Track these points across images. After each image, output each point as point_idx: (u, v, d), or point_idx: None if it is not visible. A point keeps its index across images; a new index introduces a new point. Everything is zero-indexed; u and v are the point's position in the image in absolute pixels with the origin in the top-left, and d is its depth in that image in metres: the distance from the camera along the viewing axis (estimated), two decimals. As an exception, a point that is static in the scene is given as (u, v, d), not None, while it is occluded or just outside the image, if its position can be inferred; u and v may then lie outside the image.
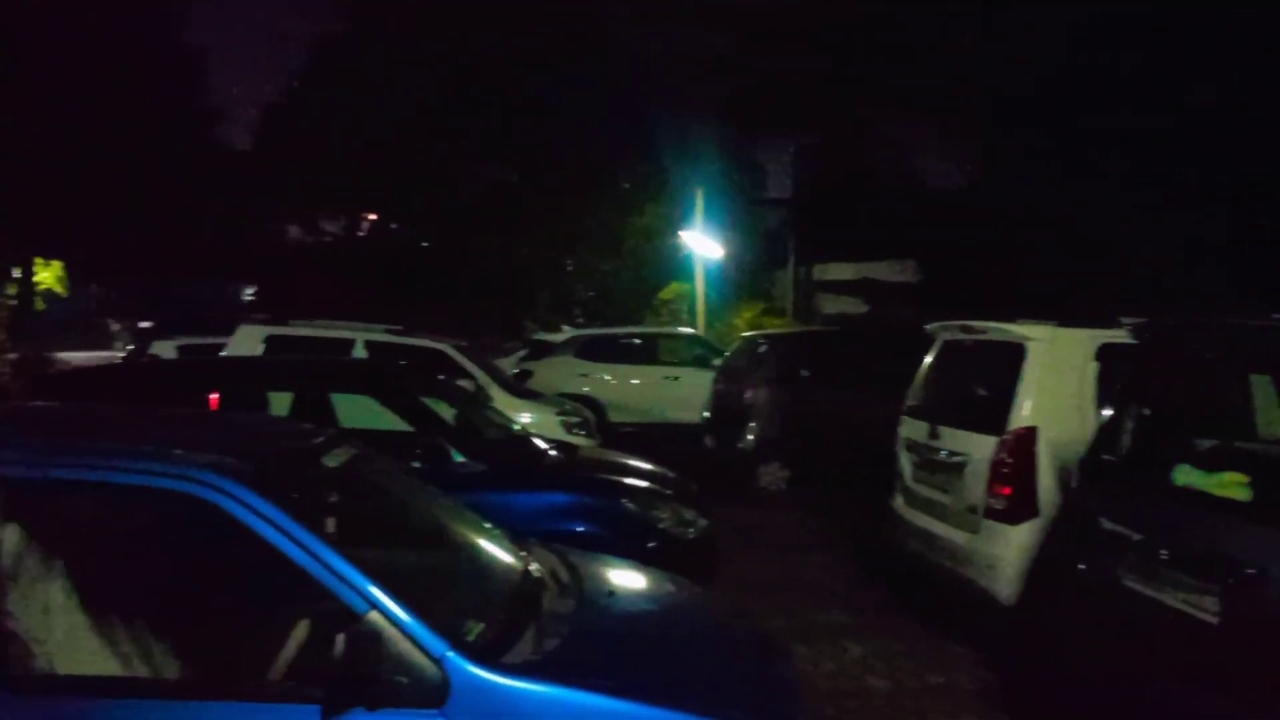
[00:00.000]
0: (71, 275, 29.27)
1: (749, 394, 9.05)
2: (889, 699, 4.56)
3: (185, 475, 2.31)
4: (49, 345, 23.56)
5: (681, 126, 19.68)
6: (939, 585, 5.33)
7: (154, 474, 2.33)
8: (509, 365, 12.69)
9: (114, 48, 20.05)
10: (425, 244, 27.85)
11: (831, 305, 20.64)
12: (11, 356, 23.05)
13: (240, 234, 27.34)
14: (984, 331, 5.26)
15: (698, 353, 13.23)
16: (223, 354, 8.20)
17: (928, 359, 5.87)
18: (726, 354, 11.13)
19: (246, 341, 8.27)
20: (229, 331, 8.96)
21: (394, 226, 30.03)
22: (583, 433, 8.72)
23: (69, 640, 2.50)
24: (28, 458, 2.33)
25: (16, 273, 24.42)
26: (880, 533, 6.19)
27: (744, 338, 10.80)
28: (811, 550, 7.23)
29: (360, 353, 8.41)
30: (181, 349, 10.98)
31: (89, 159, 19.51)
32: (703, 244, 17.60)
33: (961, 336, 5.55)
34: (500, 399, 8.22)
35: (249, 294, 36.34)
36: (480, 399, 6.84)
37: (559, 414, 8.87)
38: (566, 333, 14.24)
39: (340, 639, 2.08)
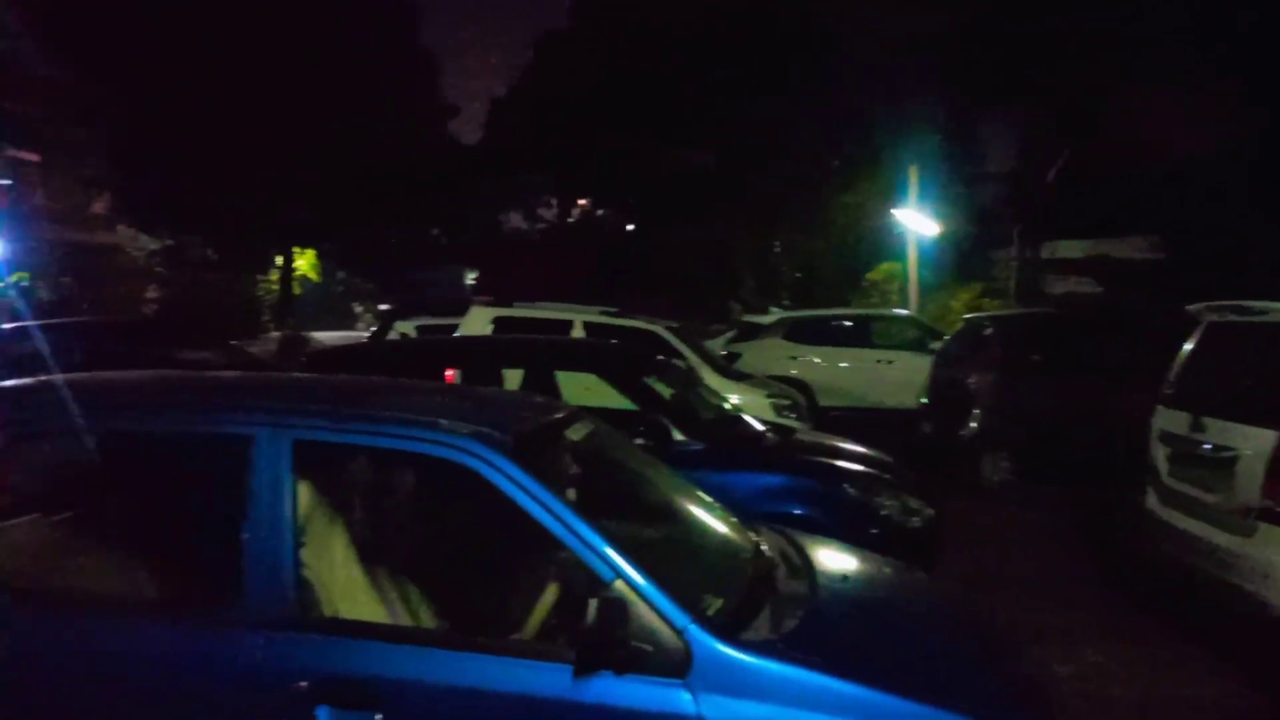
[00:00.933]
0: (323, 262, 32.46)
1: (972, 380, 8.59)
2: (1136, 711, 4.22)
3: (451, 443, 2.49)
4: (305, 325, 26.33)
5: (894, 99, 18.89)
6: (1196, 591, 4.85)
7: (423, 440, 2.52)
8: (716, 347, 12.77)
9: (363, 52, 21.90)
10: (630, 227, 28.58)
11: (1060, 286, 19.16)
12: (274, 335, 25.94)
13: (465, 223, 29.20)
14: (1263, 313, 4.70)
15: (913, 335, 12.71)
16: (456, 334, 8.80)
17: (1189, 344, 5.32)
18: (946, 337, 10.62)
19: (477, 322, 8.83)
20: (461, 313, 9.60)
21: (600, 212, 31.07)
22: (792, 415, 8.63)
23: (347, 588, 2.78)
24: (317, 423, 2.60)
25: (278, 260, 27.39)
26: (1121, 531, 5.71)
27: (967, 320, 10.25)
28: (1041, 547, 6.79)
29: (578, 333, 8.76)
30: (420, 329, 11.89)
31: (343, 157, 21.46)
32: (917, 221, 16.85)
33: (1233, 319, 4.98)
34: (711, 380, 8.28)
35: (471, 278, 38.82)
36: (696, 380, 6.94)
37: (769, 396, 8.83)
38: (775, 314, 14.11)
39: (592, 605, 2.18)
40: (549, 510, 2.39)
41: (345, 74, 21.06)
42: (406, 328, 12.20)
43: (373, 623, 2.58)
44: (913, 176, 16.87)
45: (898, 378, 11.63)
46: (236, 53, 19.94)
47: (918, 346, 12.00)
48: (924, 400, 9.70)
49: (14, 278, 24.11)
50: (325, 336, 28.47)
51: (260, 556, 2.43)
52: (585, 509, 2.49)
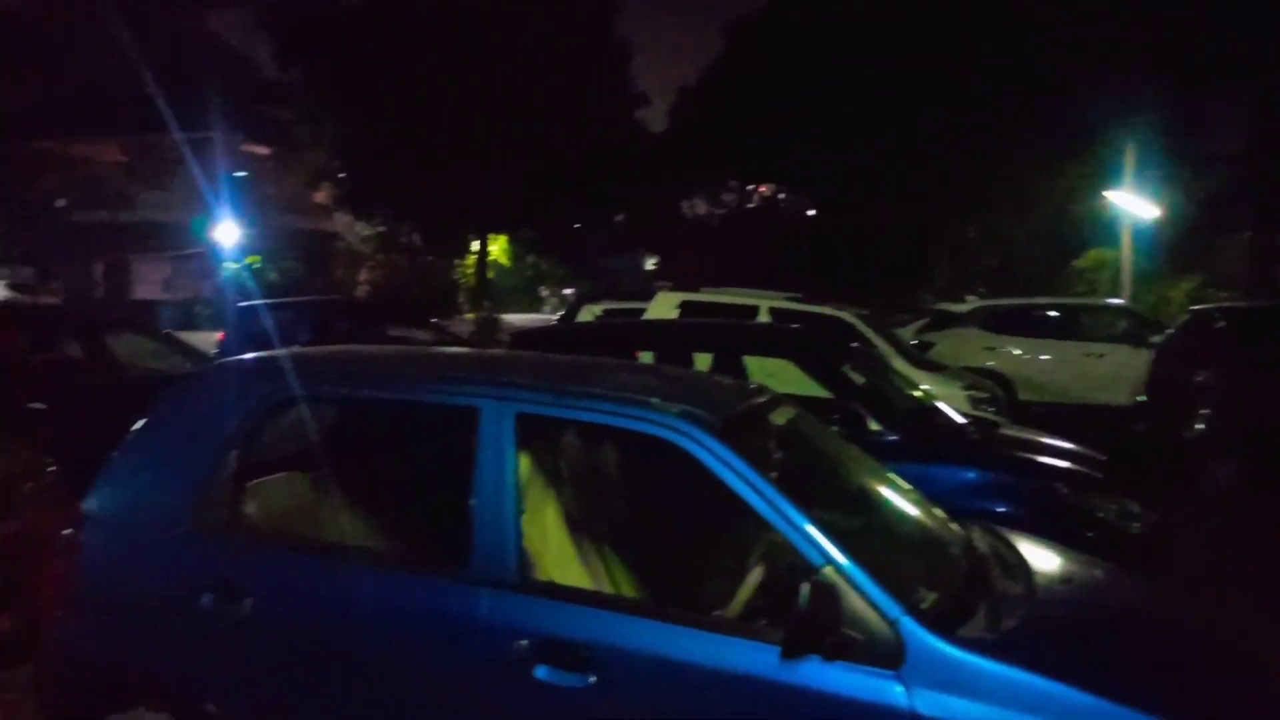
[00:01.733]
0: (514, 248, 33.96)
1: (1200, 376, 7.84)
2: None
3: (663, 422, 2.55)
4: (497, 309, 27.69)
5: (1107, 74, 17.41)
6: None
7: (637, 418, 2.60)
8: (907, 336, 12.33)
9: (563, 42, 22.64)
10: (811, 212, 28.04)
11: (1300, 276, 17.08)
12: (468, 316, 27.39)
13: (647, 210, 29.65)
14: None
15: (1127, 327, 11.73)
16: (643, 318, 8.98)
17: None
18: (1168, 330, 9.74)
19: (663, 306, 8.96)
20: (644, 298, 9.76)
21: (782, 197, 30.66)
22: (991, 409, 8.19)
23: (559, 556, 2.92)
24: (538, 397, 2.73)
25: (474, 246, 28.91)
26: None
27: (1195, 312, 9.34)
28: (1275, 558, 6.13)
29: (764, 318, 8.71)
30: (605, 312, 12.22)
31: (541, 146, 22.30)
32: (1133, 205, 15.51)
33: None
34: (903, 370, 8.01)
35: (651, 264, 39.43)
36: (887, 368, 6.74)
37: (965, 388, 8.42)
38: (971, 303, 13.43)
39: (804, 589, 2.18)
40: (758, 492, 2.41)
41: (546, 65, 21.84)
42: (593, 311, 12.57)
43: (589, 590, 2.70)
44: (1129, 157, 15.55)
45: (1108, 372, 10.79)
46: (448, 49, 21.11)
47: (1132, 339, 11.07)
48: (1141, 397, 8.95)
49: (248, 260, 26.76)
50: (514, 319, 29.81)
51: (486, 521, 2.60)
52: (791, 493, 2.49)
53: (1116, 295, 15.10)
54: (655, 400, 2.63)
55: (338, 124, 23.73)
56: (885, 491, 3.15)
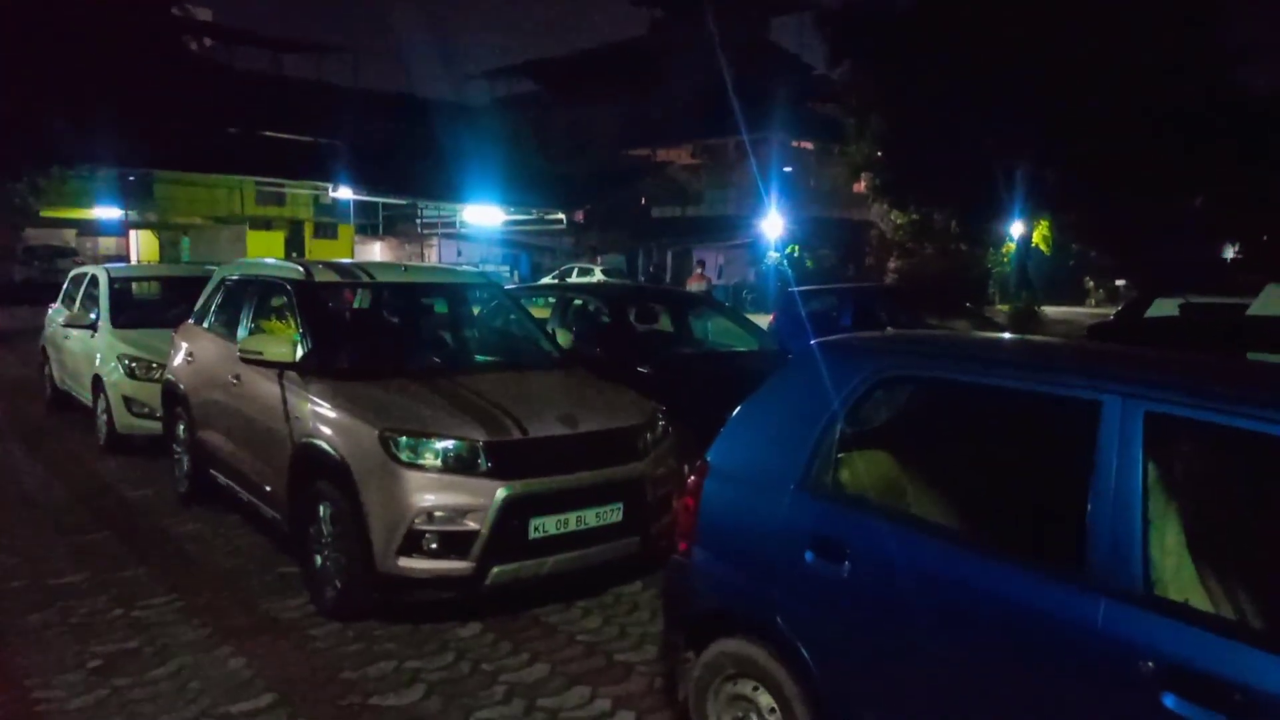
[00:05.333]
0: (1055, 235, 31.26)
1: None
2: None
3: None
4: (1039, 299, 25.81)
5: None
6: None
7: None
8: None
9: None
10: None
11: None
12: (1002, 308, 25.94)
13: (1238, 191, 24.87)
14: None
15: None
16: (1250, 313, 7.59)
17: None
18: None
19: (1276, 301, 7.50)
20: (1231, 292, 8.28)
21: None
22: None
23: (1177, 574, 2.60)
24: (1172, 396, 2.45)
25: (1013, 233, 27.21)
26: None
27: None
28: None
29: None
30: (1183, 307, 10.64)
31: (1110, 114, 20.12)
32: None
33: None
34: None
35: (1232, 252, 33.33)
36: None
37: None
38: None
39: None
40: None
41: (1117, 25, 19.59)
42: (1168, 306, 11.03)
43: (1233, 619, 2.37)
44: None
45: None
46: (998, 31, 20.14)
47: None
48: None
49: (789, 249, 28.71)
50: (1054, 311, 27.45)
51: (1106, 524, 2.42)
52: None
53: None
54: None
55: (882, 116, 24.14)
56: None
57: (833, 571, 2.94)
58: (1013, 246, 27.37)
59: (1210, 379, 2.55)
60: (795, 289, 14.15)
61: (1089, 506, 2.47)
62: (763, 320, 12.46)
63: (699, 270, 24.45)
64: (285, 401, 5.17)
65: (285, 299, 5.97)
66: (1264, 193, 24.99)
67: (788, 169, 33.88)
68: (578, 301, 9.11)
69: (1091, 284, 37.43)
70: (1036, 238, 31.94)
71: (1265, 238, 29.79)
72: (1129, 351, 3.05)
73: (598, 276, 28.91)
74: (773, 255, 28.13)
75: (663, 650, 3.80)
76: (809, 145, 36.21)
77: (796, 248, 31.59)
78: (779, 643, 3.09)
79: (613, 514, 4.84)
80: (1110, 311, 21.59)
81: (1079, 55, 19.55)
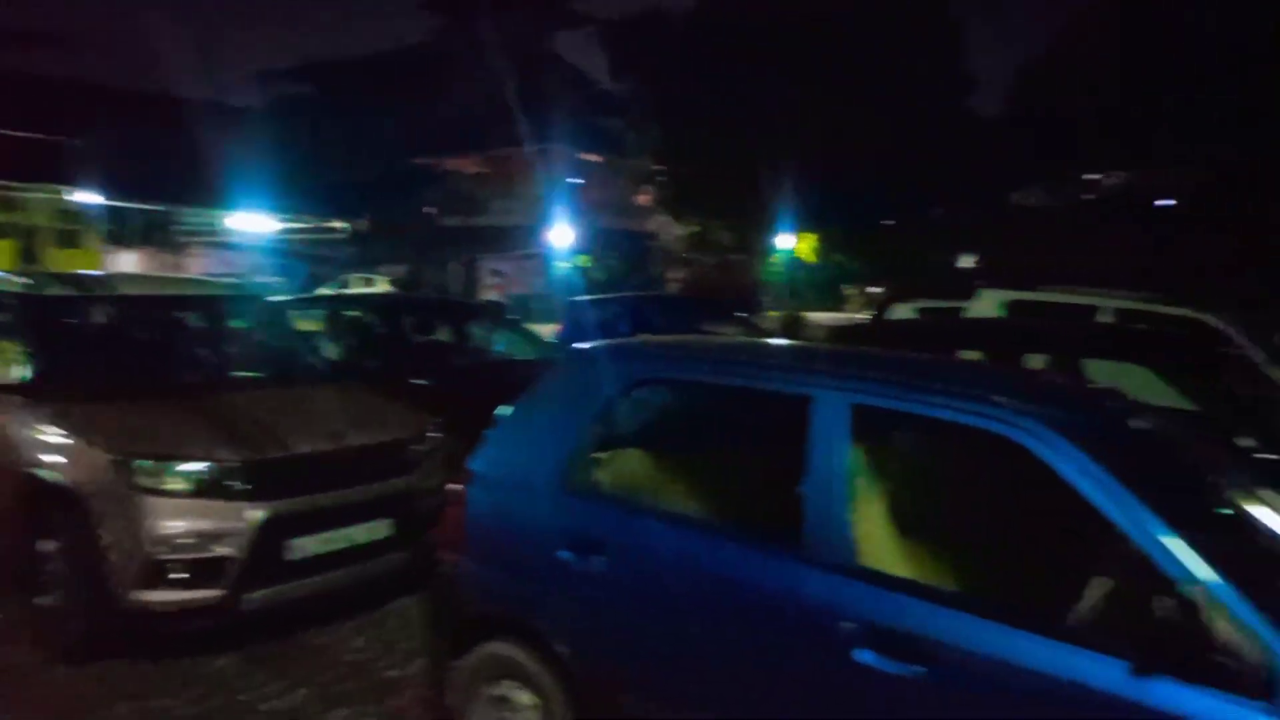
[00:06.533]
0: (821, 245, 33.72)
1: None
2: None
3: (1013, 421, 2.49)
4: (801, 306, 27.70)
5: None
6: None
7: (982, 415, 2.55)
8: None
9: (887, 21, 22.08)
10: (1172, 202, 24.80)
11: None
12: (772, 315, 27.63)
13: (971, 204, 27.97)
14: None
15: None
16: (963, 316, 8.53)
17: None
18: None
19: (987, 305, 8.45)
20: (964, 296, 9.21)
21: (1133, 186, 27.47)
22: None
23: (887, 548, 2.96)
24: (876, 389, 2.79)
25: (781, 244, 29.13)
26: None
27: None
28: None
29: (1107, 319, 7.91)
30: (920, 311, 11.73)
31: (864, 139, 21.95)
32: None
33: None
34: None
35: (968, 261, 37.04)
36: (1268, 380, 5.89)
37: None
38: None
39: (1163, 604, 2.06)
40: (1114, 499, 2.29)
41: (872, 56, 21.46)
42: (905, 310, 12.12)
43: (924, 583, 2.71)
44: None
45: None
46: (768, 53, 21.54)
47: None
48: None
49: (578, 260, 29.14)
50: (818, 317, 29.56)
51: (819, 504, 2.71)
52: (1153, 503, 2.33)
53: None
54: (1004, 399, 2.58)
55: (661, 131, 25.11)
56: (1262, 512, 2.82)
57: (588, 567, 3.07)
58: (779, 259, 29.23)
59: (905, 374, 2.91)
60: (579, 299, 14.42)
61: (805, 490, 2.76)
62: (550, 330, 12.61)
63: (496, 280, 24.32)
64: (6, 429, 4.69)
65: (9, 316, 5.40)
66: (997, 208, 28.32)
67: (577, 180, 34.40)
68: (352, 313, 8.83)
69: (851, 291, 40.50)
70: (804, 249, 34.31)
71: (1002, 246, 33.49)
72: (841, 351, 3.42)
73: (381, 287, 28.02)
74: (562, 266, 28.48)
75: (429, 661, 3.80)
76: (596, 158, 36.98)
77: (587, 258, 32.08)
78: (537, 640, 3.19)
79: (382, 530, 4.76)
80: (866, 316, 23.46)
81: (836, 83, 21.29)
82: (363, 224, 33.45)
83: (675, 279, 33.39)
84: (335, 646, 4.61)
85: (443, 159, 36.57)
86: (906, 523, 3.02)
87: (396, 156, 32.32)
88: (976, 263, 35.89)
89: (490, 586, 3.39)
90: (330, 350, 6.37)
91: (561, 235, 27.85)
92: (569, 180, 31.41)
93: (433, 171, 35.88)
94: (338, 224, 33.00)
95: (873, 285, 37.80)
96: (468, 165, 37.88)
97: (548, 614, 3.17)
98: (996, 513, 2.95)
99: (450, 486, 3.60)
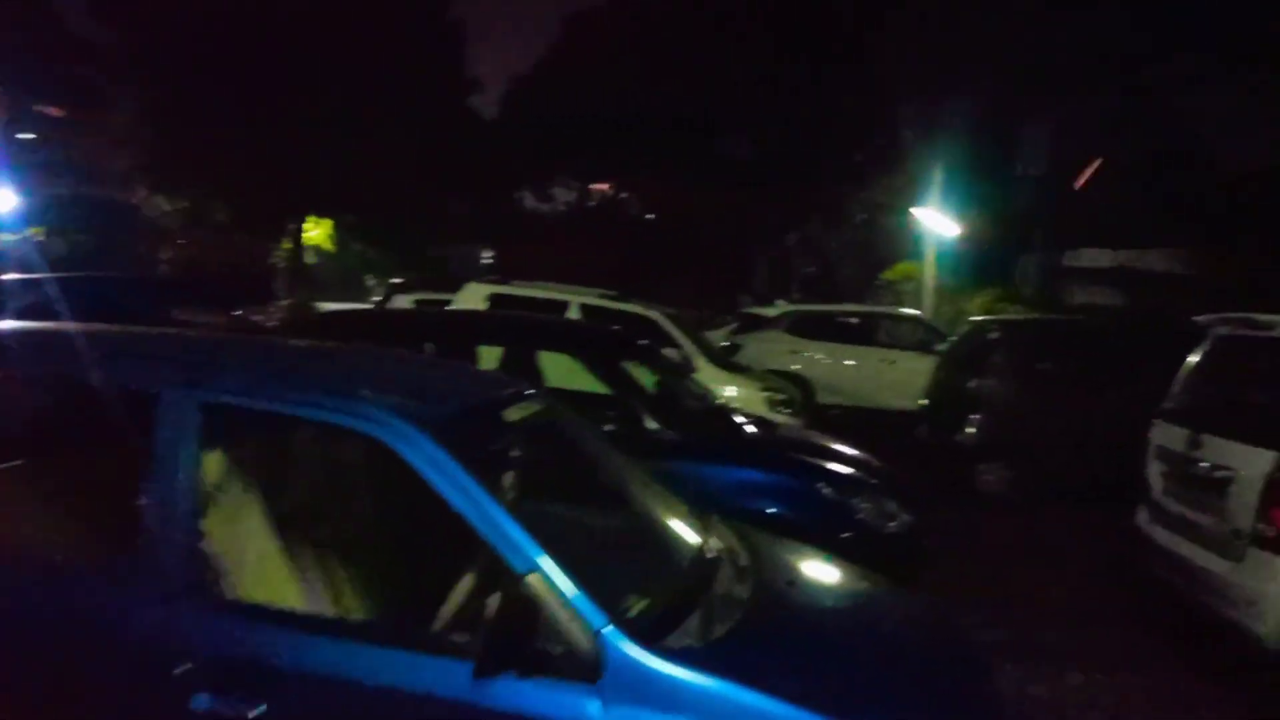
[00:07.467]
0: (339, 234, 32.38)
1: (974, 383, 8.32)
2: (1113, 739, 4.01)
3: (367, 416, 2.30)
4: (317, 296, 26.25)
5: (925, 95, 18.45)
6: (1190, 616, 4.62)
7: (339, 412, 2.34)
8: (721, 338, 12.54)
9: (387, 21, 21.72)
10: (650, 216, 28.32)
11: (1082, 295, 18.69)
12: (284, 303, 25.85)
13: (484, 201, 29.00)
14: (1272, 328, 4.44)
15: (920, 336, 12.44)
16: (448, 308, 8.64)
17: (1194, 356, 5.07)
18: (952, 339, 10.34)
19: (472, 298, 8.67)
20: (453, 289, 9.43)
21: (623, 196, 30.85)
22: (787, 410, 8.42)
23: (259, 566, 2.60)
24: (227, 385, 2.42)
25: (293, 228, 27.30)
26: (1120, 551, 5.48)
27: (974, 323, 9.95)
28: (1034, 562, 6.53)
29: (574, 314, 8.57)
30: (417, 302, 11.80)
31: (363, 124, 21.30)
32: (936, 222, 16.49)
33: (1242, 332, 4.73)
34: (706, 371, 8.11)
35: (487, 258, 38.61)
36: (683, 369, 6.74)
37: (764, 389, 8.62)
38: (779, 307, 13.85)
39: (497, 599, 2.01)
40: (462, 492, 2.20)
41: (372, 40, 20.91)
42: (405, 302, 12.16)
43: (264, 605, 2.40)
44: (936, 175, 16.51)
45: (900, 378, 11.38)
46: (273, 21, 19.86)
47: (923, 347, 11.73)
48: (923, 402, 9.44)
49: (28, 231, 24.16)
50: (336, 308, 28.33)
51: (156, 522, 2.27)
52: (514, 495, 2.31)
53: (920, 307, 15.97)
54: (361, 392, 2.38)
55: (147, 85, 21.83)
56: (631, 493, 3.03)
57: None
58: (290, 245, 27.45)
59: (270, 367, 2.58)
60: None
61: (142, 504, 2.29)
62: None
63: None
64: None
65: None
66: (509, 207, 29.82)
67: (28, 135, 28.59)
68: None
69: (374, 281, 39.68)
70: (321, 235, 32.62)
71: (513, 244, 35.25)
72: (200, 343, 2.99)
73: None
74: (6, 238, 23.35)
75: None
76: (59, 111, 31.14)
77: (40, 229, 26.77)
78: None
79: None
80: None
81: (348, 74, 20.45)
82: None
83: (167, 261, 29.49)
84: None
85: None
86: (292, 539, 2.70)
87: None
88: (492, 258, 37.46)
89: None
90: None
91: (4, 200, 22.78)
92: (18, 135, 25.95)
93: None
94: None
95: (396, 278, 37.41)
96: None
97: None
98: (368, 517, 2.77)
99: None
